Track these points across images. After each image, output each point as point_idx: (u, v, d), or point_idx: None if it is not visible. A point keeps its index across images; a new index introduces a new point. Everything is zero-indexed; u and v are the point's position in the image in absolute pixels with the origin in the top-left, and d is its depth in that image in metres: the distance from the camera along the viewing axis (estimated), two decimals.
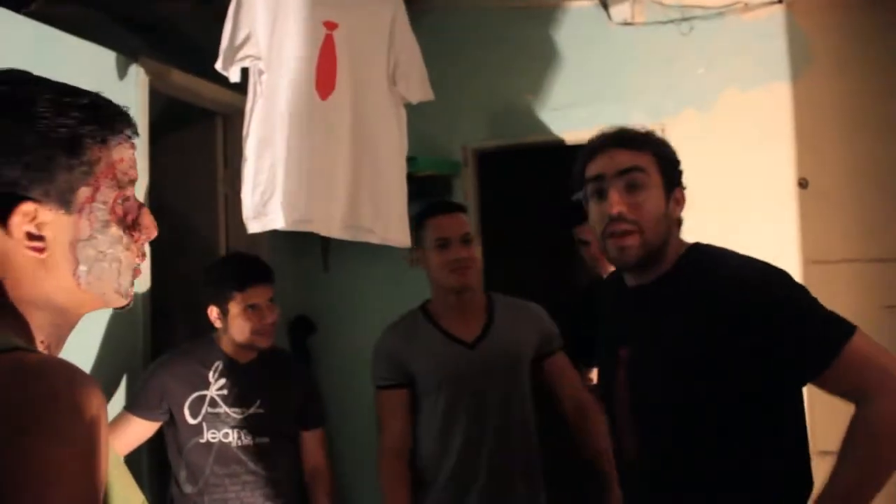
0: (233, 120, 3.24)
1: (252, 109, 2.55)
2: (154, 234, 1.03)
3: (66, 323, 0.98)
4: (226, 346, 2.47)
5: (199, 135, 3.36)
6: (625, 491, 1.70)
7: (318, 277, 3.82)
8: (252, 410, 2.43)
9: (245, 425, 2.41)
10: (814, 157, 3.31)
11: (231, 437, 2.40)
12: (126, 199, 0.99)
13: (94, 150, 0.95)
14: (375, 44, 2.78)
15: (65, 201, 0.93)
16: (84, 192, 0.94)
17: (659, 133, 3.47)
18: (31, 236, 0.91)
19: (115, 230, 0.98)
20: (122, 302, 1.01)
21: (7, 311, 0.91)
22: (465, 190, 3.70)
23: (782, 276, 1.48)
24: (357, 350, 3.70)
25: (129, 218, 1.00)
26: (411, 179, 2.95)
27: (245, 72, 2.55)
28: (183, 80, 2.93)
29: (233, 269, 2.44)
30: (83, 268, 0.95)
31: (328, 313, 3.81)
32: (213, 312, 2.43)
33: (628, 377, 1.58)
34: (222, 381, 2.43)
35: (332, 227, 2.69)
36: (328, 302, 3.81)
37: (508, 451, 2.34)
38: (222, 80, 2.61)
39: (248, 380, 2.47)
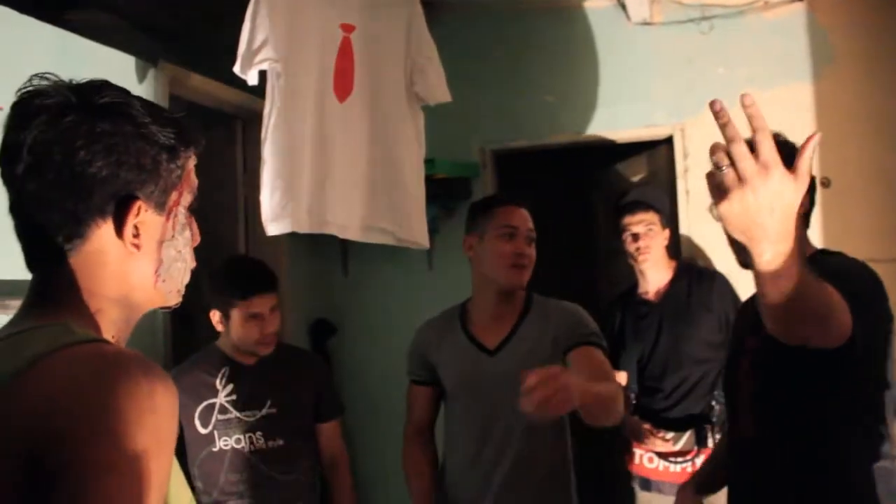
0: (252, 123, 3.24)
1: (270, 112, 2.55)
2: (198, 240, 1.09)
3: (134, 319, 1.03)
4: (230, 350, 2.40)
5: (219, 138, 3.38)
6: (737, 466, 1.85)
7: (337, 280, 3.83)
8: (264, 412, 2.37)
9: (258, 428, 2.35)
10: (836, 157, 3.28)
11: (243, 442, 2.33)
12: (190, 206, 1.06)
13: (183, 158, 1.02)
14: (393, 46, 2.78)
15: (160, 203, 1.00)
16: (174, 195, 1.02)
17: (678, 134, 3.49)
18: (132, 234, 0.97)
19: (187, 233, 1.05)
20: (178, 300, 1.07)
21: (85, 307, 0.96)
22: (484, 191, 3.70)
23: (863, 268, 1.64)
24: (377, 352, 3.72)
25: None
26: (429, 181, 2.95)
27: (263, 75, 2.56)
28: (202, 84, 2.94)
29: (236, 276, 2.36)
30: (164, 267, 1.01)
31: (347, 316, 3.82)
32: (214, 316, 2.38)
33: (752, 365, 1.75)
34: (230, 386, 2.37)
35: (350, 229, 2.69)
36: (347, 305, 3.83)
37: (527, 464, 2.22)
38: (241, 84, 2.62)
39: (257, 381, 2.40)
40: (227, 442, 2.33)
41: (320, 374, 2.58)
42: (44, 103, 0.94)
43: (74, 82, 0.97)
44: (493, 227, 2.25)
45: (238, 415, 2.35)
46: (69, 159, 0.92)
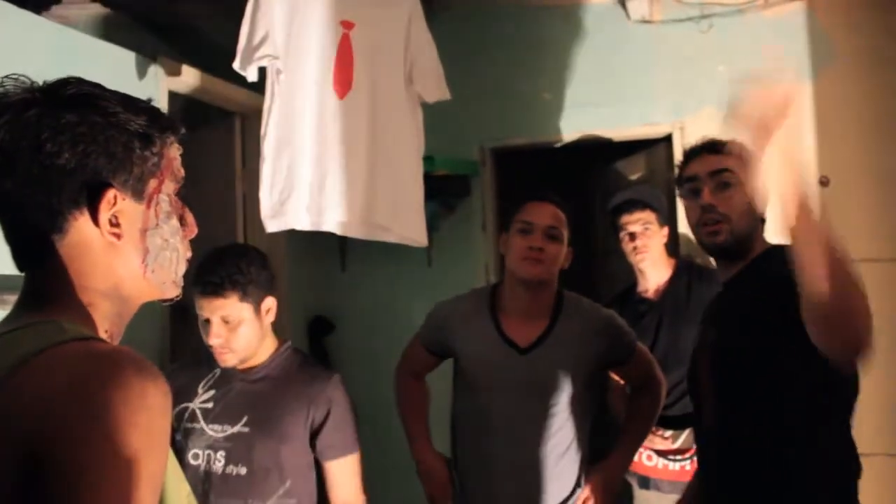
0: (251, 120, 3.25)
1: (270, 109, 2.55)
2: (195, 232, 1.08)
3: (127, 313, 1.02)
4: None
5: (218, 135, 3.38)
6: (702, 454, 1.92)
7: (335, 277, 3.83)
8: (235, 429, 1.98)
9: (220, 447, 1.98)
10: (835, 156, 3.28)
11: (200, 458, 1.98)
12: (177, 194, 1.05)
13: (159, 146, 1.01)
14: (392, 43, 2.78)
15: (137, 191, 0.98)
16: (152, 183, 1.00)
17: (678, 132, 3.48)
18: (110, 223, 0.96)
19: (174, 221, 1.03)
20: (176, 292, 1.06)
21: (76, 303, 0.95)
22: (483, 189, 3.70)
23: None
24: (375, 350, 3.71)
25: (179, 213, 1.05)
26: (429, 178, 2.95)
27: (263, 71, 2.56)
28: (201, 81, 2.94)
29: (197, 267, 1.94)
30: (150, 256, 1.00)
31: (346, 313, 3.82)
32: None
33: (711, 356, 1.82)
34: (211, 392, 2.04)
35: (349, 226, 2.69)
36: (346, 302, 3.82)
37: (548, 464, 2.20)
38: (240, 81, 2.62)
39: (241, 392, 2.03)
40: (186, 455, 2.01)
41: (326, 398, 2.05)
42: (8, 101, 0.93)
43: (45, 81, 0.97)
44: (514, 222, 2.25)
45: (204, 426, 2.01)
46: (36, 153, 0.91)
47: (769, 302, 1.63)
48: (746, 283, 1.77)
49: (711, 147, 1.88)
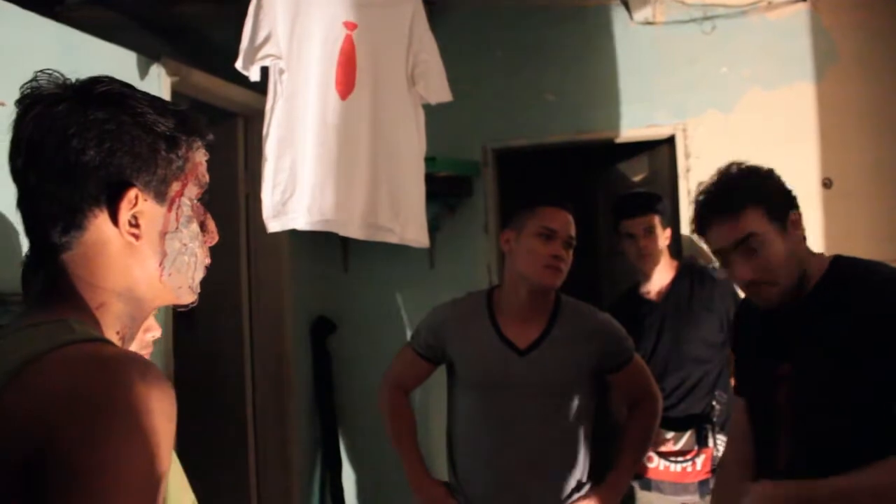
0: (253, 121, 3.25)
1: (272, 109, 2.55)
2: (216, 239, 1.07)
3: (140, 316, 1.01)
4: None
5: (220, 136, 3.37)
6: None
7: (337, 278, 3.83)
8: None
9: None
10: (838, 157, 3.28)
11: None
12: (200, 200, 1.04)
13: (185, 149, 1.00)
14: (394, 44, 2.78)
15: (160, 193, 0.98)
16: (175, 186, 1.00)
17: (680, 133, 3.47)
18: (129, 223, 0.95)
19: (195, 226, 1.02)
20: (192, 298, 1.05)
21: (88, 302, 0.95)
22: (485, 190, 3.70)
23: None
24: (377, 350, 3.71)
25: (200, 219, 1.04)
26: (431, 179, 2.95)
27: (265, 71, 2.56)
28: (204, 81, 2.94)
29: None
30: (168, 259, 0.99)
31: (348, 314, 3.82)
32: None
33: (792, 390, 1.67)
34: None
35: (351, 226, 2.69)
36: (348, 302, 3.82)
37: (549, 468, 2.20)
38: (243, 81, 2.62)
39: None
40: None
41: None
42: (39, 95, 0.94)
43: (77, 79, 0.97)
44: (531, 225, 2.21)
45: None
46: (62, 148, 0.92)
47: (859, 338, 1.54)
48: (820, 311, 1.65)
49: (719, 210, 1.70)
